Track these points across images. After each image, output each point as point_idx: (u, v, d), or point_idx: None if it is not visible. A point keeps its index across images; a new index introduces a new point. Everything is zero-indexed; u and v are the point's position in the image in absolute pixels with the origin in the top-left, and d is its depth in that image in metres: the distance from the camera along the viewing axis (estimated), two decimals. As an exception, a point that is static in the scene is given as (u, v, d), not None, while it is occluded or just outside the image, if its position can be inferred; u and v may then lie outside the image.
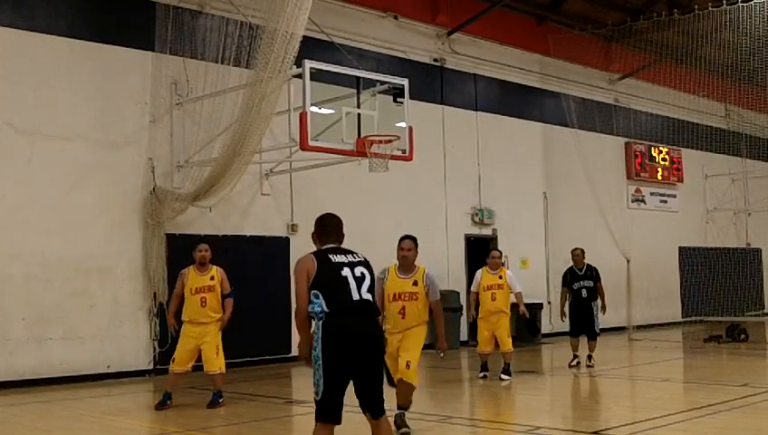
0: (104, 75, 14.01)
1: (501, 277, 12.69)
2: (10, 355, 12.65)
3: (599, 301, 14.24)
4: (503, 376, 12.43)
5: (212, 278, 10.60)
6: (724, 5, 18.26)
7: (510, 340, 12.71)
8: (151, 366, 14.13)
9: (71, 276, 13.35)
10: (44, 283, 13.09)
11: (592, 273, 14.27)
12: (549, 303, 21.00)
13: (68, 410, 10.71)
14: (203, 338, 10.41)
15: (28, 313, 12.88)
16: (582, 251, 14.56)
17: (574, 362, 14.05)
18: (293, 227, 16.02)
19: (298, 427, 9.69)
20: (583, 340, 14.17)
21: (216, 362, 10.46)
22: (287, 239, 15.86)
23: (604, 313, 14.36)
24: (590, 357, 14.00)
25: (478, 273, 12.94)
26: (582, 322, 14.20)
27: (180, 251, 14.34)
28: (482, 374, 12.70)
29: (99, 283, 13.68)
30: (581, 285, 14.23)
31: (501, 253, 13.31)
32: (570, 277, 14.42)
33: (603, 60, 22.34)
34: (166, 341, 14.13)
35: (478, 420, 10.10)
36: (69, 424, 9.72)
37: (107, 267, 13.76)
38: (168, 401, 10.37)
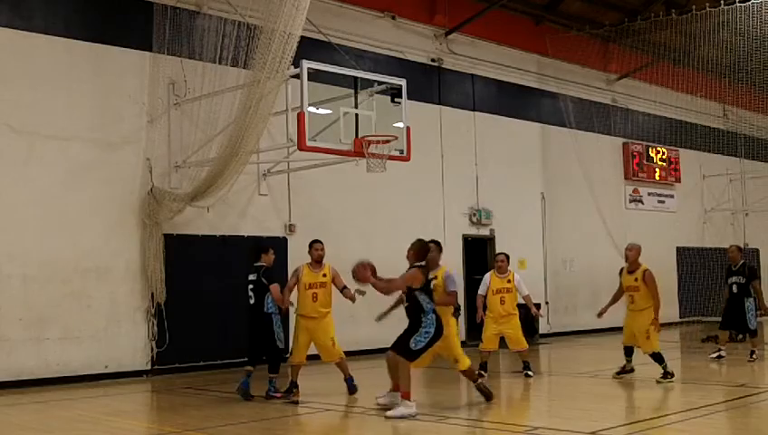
0: (102, 75, 14.01)
1: (509, 281, 12.83)
2: (7, 355, 12.64)
3: (752, 299, 14.63)
4: (528, 372, 12.82)
5: (324, 275, 11.02)
6: (722, 6, 18.30)
7: (524, 338, 12.97)
8: (149, 367, 14.13)
9: (68, 277, 13.34)
10: (42, 283, 13.08)
11: (744, 269, 14.73)
12: (547, 303, 21.02)
13: (66, 411, 10.70)
14: (315, 332, 10.92)
15: (26, 313, 12.87)
16: (738, 248, 15.24)
17: (715, 355, 14.50)
18: (291, 228, 16.02)
19: (296, 427, 9.70)
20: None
21: (333, 352, 11.04)
22: (285, 239, 15.85)
23: (762, 312, 14.74)
24: (752, 353, 14.38)
25: (487, 276, 13.06)
26: (733, 317, 14.73)
27: (178, 251, 14.41)
28: (478, 373, 12.73)
29: (96, 283, 13.67)
30: (733, 281, 14.74)
31: (507, 256, 13.33)
32: (726, 273, 15.05)
33: (601, 60, 22.37)
34: (164, 341, 14.17)
35: (476, 420, 10.10)
36: (67, 424, 9.70)
37: (105, 268, 13.75)
38: (295, 389, 10.92)
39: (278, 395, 10.87)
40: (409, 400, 9.40)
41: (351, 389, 11.12)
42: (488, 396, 10.18)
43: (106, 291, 13.75)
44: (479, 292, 13.07)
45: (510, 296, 12.79)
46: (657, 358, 11.92)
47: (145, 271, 14.11)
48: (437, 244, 10.56)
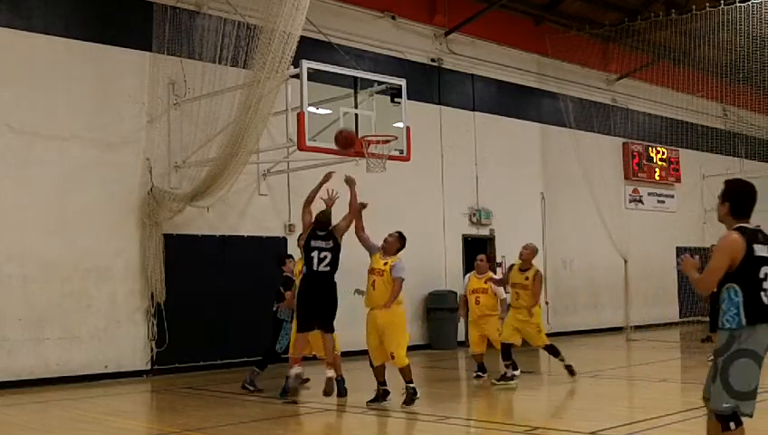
0: (102, 75, 14.00)
1: (486, 282, 12.73)
2: (7, 355, 12.64)
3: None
4: (512, 373, 12.49)
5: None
6: (722, 6, 18.27)
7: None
8: (149, 367, 14.12)
9: (68, 277, 13.34)
10: (42, 283, 13.08)
11: None
12: (547, 303, 21.00)
13: (65, 411, 10.70)
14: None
15: (25, 313, 12.87)
16: (712, 248, 14.87)
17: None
18: (291, 228, 16.01)
19: (295, 427, 9.69)
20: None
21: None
22: (285, 239, 15.85)
23: None
24: None
25: (467, 277, 13.03)
26: (712, 317, 14.54)
27: (178, 251, 14.41)
28: (475, 374, 12.69)
29: (96, 283, 13.67)
30: None
31: (487, 257, 13.29)
32: None
33: (601, 60, 22.35)
34: (163, 341, 14.17)
35: (475, 420, 10.11)
36: (66, 424, 9.71)
37: (104, 268, 13.75)
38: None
39: (251, 389, 11.37)
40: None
41: (341, 391, 10.89)
42: (411, 400, 9.96)
43: (106, 291, 13.75)
44: (460, 292, 13.07)
45: (485, 297, 12.61)
46: (553, 350, 12.21)
47: (145, 271, 14.11)
48: (400, 235, 10.58)
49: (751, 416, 5.36)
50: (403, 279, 10.20)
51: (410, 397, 9.97)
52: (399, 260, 10.31)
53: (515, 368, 12.25)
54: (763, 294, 5.39)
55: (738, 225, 5.53)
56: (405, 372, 10.09)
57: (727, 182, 5.73)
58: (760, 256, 5.41)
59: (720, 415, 5.41)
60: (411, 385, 10.03)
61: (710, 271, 5.45)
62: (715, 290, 5.62)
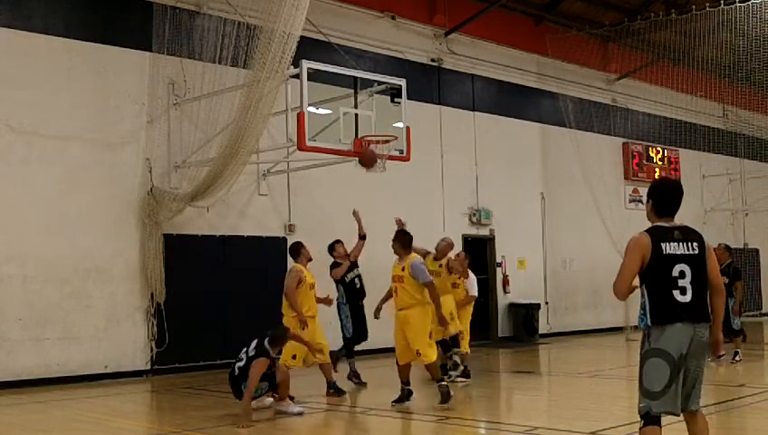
0: (101, 75, 14.00)
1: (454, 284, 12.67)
2: (7, 356, 12.64)
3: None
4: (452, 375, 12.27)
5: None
6: (722, 6, 18.29)
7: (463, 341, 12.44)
8: (149, 367, 14.12)
9: (68, 277, 13.34)
10: (42, 283, 13.09)
11: (729, 270, 14.34)
12: (546, 303, 21.02)
13: (65, 411, 10.70)
14: (318, 329, 10.91)
15: (25, 313, 12.87)
16: (726, 247, 14.83)
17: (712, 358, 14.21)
18: (291, 228, 16.02)
19: (295, 427, 9.68)
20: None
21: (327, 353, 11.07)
22: (284, 239, 15.84)
23: (736, 314, 14.42)
24: (735, 353, 14.19)
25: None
26: None
27: (178, 251, 14.41)
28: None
29: (96, 283, 13.67)
30: None
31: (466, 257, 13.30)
32: None
33: (601, 60, 22.37)
34: (163, 341, 14.17)
35: (475, 420, 10.11)
36: (66, 424, 9.71)
37: (104, 268, 13.75)
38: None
39: (355, 381, 11.89)
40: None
41: (338, 391, 10.96)
42: (446, 397, 9.84)
43: (106, 291, 13.75)
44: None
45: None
46: (445, 346, 12.02)
47: (145, 271, 14.10)
48: (396, 234, 10.42)
49: (659, 415, 5.40)
50: (431, 280, 10.03)
51: (445, 396, 9.81)
52: (415, 259, 10.09)
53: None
54: (677, 292, 5.33)
55: (654, 224, 5.45)
56: (432, 370, 9.96)
57: (653, 181, 5.69)
58: (670, 254, 5.32)
59: (640, 414, 5.50)
60: (443, 383, 9.94)
61: (619, 274, 5.39)
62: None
